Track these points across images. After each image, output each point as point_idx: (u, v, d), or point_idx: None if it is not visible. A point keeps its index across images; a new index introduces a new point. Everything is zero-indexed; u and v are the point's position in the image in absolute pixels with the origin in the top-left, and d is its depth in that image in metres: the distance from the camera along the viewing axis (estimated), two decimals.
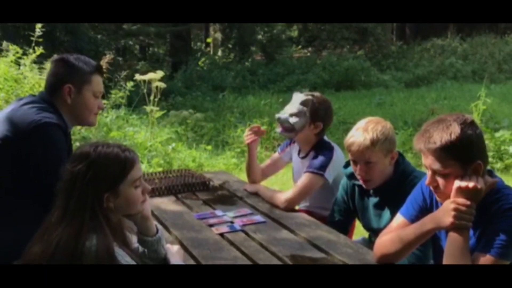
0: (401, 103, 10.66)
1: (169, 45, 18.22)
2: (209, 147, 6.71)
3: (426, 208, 1.99)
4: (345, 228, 2.64)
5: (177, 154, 6.24)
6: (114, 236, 1.68)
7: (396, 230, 1.99)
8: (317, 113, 2.81)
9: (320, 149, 2.81)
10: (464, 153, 1.74)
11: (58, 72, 2.28)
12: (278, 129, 2.90)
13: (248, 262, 2.05)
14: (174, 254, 1.95)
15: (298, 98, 2.83)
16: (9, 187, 2.07)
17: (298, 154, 2.98)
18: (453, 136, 1.72)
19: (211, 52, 18.84)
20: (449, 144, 1.72)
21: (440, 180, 1.81)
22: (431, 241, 2.07)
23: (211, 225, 2.43)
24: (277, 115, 2.87)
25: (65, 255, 1.54)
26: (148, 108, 6.56)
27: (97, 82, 2.32)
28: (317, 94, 2.90)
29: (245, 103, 10.01)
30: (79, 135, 6.24)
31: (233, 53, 18.03)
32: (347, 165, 2.58)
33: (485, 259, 1.72)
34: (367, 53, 17.35)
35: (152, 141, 6.36)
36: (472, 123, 1.76)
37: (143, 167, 5.75)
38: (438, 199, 1.89)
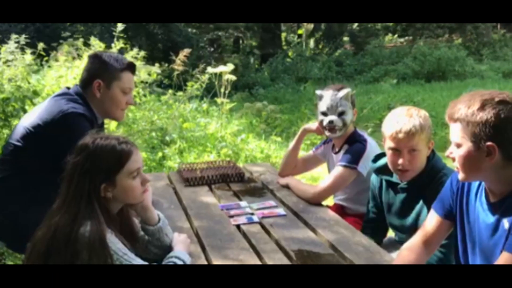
0: None
1: (259, 38, 18.46)
2: (279, 139, 6.74)
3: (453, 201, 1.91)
4: (380, 225, 2.56)
5: (246, 145, 6.34)
6: (111, 224, 1.78)
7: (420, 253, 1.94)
8: (353, 101, 2.82)
9: (353, 142, 2.76)
10: (476, 130, 1.64)
11: (90, 67, 2.45)
12: (327, 133, 2.81)
13: (252, 254, 2.07)
14: (179, 243, 2.03)
15: (332, 95, 2.76)
16: (38, 171, 2.26)
17: (332, 150, 2.93)
18: (469, 111, 1.64)
19: (304, 43, 18.80)
20: (463, 117, 1.65)
21: (456, 152, 1.73)
22: (454, 245, 1.97)
23: (231, 216, 2.48)
24: (328, 119, 2.75)
25: (61, 239, 1.66)
26: (218, 100, 6.72)
27: (127, 79, 2.45)
28: (342, 85, 2.86)
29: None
30: (156, 125, 6.55)
31: (322, 44, 17.88)
32: (376, 159, 2.51)
33: (505, 257, 1.61)
34: (465, 42, 16.44)
35: (223, 132, 6.51)
36: (501, 102, 1.62)
37: (212, 157, 5.92)
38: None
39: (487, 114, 1.61)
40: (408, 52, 15.07)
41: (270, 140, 6.77)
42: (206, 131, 6.52)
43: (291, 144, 3.10)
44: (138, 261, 1.74)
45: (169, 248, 2.00)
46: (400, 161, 2.26)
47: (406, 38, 19.91)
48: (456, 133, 1.70)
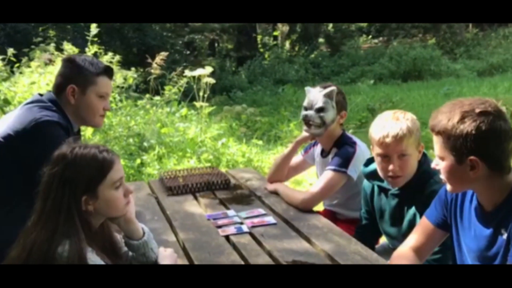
0: (470, 93, 10.04)
1: (235, 40, 18.34)
2: (260, 142, 6.62)
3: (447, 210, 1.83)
4: (373, 231, 2.45)
5: (226, 149, 6.20)
6: (93, 241, 1.63)
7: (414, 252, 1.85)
8: (341, 103, 2.69)
9: (342, 145, 2.65)
10: (457, 144, 1.56)
11: (64, 72, 2.29)
12: (305, 127, 2.73)
13: None
14: (165, 258, 1.89)
15: (316, 92, 2.67)
16: (11, 185, 2.09)
17: (321, 154, 2.83)
18: (449, 124, 1.56)
19: (279, 45, 18.74)
20: (443, 130, 1.58)
21: (440, 164, 1.66)
22: (451, 254, 1.88)
23: (219, 226, 2.35)
24: (303, 113, 2.69)
25: (38, 259, 1.51)
26: (197, 104, 6.57)
27: (103, 83, 2.30)
28: (330, 83, 2.75)
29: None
30: (133, 131, 6.37)
31: (298, 46, 17.86)
32: (367, 163, 2.40)
33: None
34: (439, 41, 16.61)
35: (202, 136, 6.36)
36: (481, 113, 1.54)
37: (192, 162, 5.77)
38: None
39: (468, 127, 1.53)
40: (383, 53, 15.13)
41: (251, 144, 6.65)
42: (186, 136, 6.36)
43: (284, 152, 2.98)
44: None
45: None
46: (391, 167, 2.15)
47: (381, 38, 20.04)
48: (438, 146, 1.63)
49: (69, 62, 2.29)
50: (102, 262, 1.59)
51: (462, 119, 1.54)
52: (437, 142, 1.63)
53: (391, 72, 13.38)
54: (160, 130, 6.37)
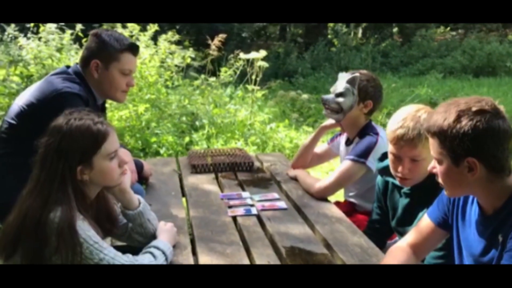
0: None
1: (305, 25, 18.13)
2: (310, 129, 6.57)
3: (448, 210, 1.76)
4: (384, 227, 2.36)
5: (275, 133, 6.21)
6: (84, 210, 1.69)
7: (408, 254, 1.78)
8: (366, 91, 2.61)
9: (364, 134, 2.59)
10: (453, 145, 1.49)
11: (89, 46, 2.38)
12: (324, 111, 2.72)
13: (241, 249, 1.96)
14: (163, 232, 1.94)
15: (343, 77, 2.64)
16: (30, 152, 2.20)
17: (346, 143, 2.78)
18: (445, 124, 1.49)
19: (352, 33, 18.34)
20: (438, 131, 1.51)
21: (438, 168, 1.60)
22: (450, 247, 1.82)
23: (230, 207, 2.38)
24: (322, 96, 2.70)
25: (31, 223, 1.58)
26: (249, 87, 6.60)
27: (127, 60, 2.37)
28: (364, 71, 2.68)
29: None
30: (187, 110, 6.50)
31: (369, 33, 17.43)
32: (383, 158, 2.32)
33: None
34: None
35: (252, 119, 6.40)
36: (478, 112, 1.46)
37: (239, 144, 5.83)
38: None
39: (464, 127, 1.46)
40: (457, 46, 14.46)
41: (301, 130, 6.62)
42: (236, 118, 6.42)
43: (308, 139, 2.96)
44: (110, 250, 1.65)
45: (153, 237, 1.92)
46: (400, 169, 2.07)
47: (459, 31, 19.17)
48: (435, 148, 1.56)
49: (95, 37, 2.37)
50: (91, 231, 1.65)
51: (458, 119, 1.47)
52: (433, 144, 1.57)
53: (463, 66, 12.76)
54: (212, 111, 6.47)
